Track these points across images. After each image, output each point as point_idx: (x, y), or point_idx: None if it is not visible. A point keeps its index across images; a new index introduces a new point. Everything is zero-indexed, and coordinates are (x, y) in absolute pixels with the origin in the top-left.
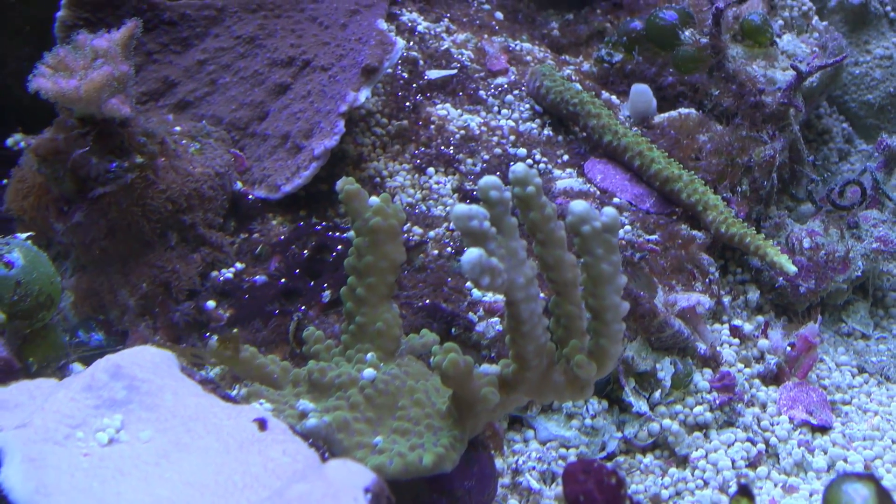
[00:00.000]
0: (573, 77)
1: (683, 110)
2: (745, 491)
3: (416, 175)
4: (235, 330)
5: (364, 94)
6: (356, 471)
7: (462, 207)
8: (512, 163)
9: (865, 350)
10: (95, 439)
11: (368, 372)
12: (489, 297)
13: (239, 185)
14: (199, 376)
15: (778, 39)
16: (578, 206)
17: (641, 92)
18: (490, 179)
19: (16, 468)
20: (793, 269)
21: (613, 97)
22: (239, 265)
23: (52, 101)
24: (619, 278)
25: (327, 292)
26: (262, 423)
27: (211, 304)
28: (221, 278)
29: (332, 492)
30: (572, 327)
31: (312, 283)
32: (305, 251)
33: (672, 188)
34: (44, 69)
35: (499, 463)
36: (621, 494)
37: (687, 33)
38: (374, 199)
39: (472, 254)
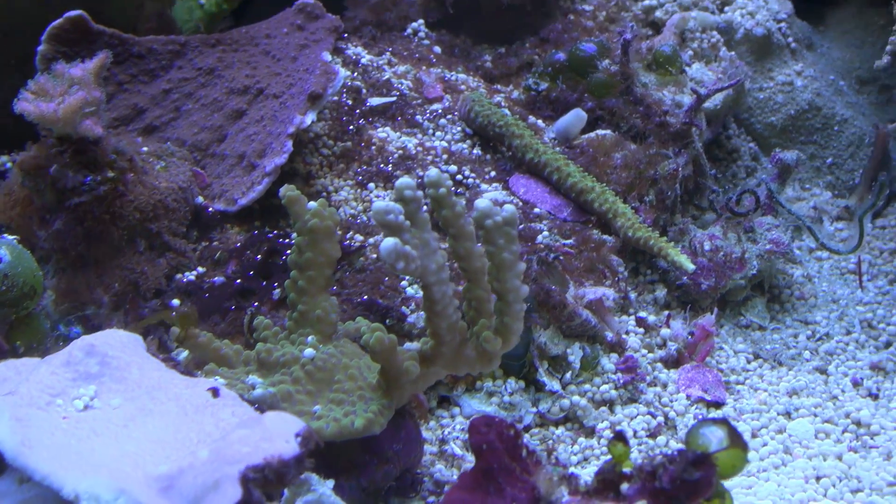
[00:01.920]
0: (503, 104)
1: (601, 131)
2: (619, 436)
3: (359, 190)
4: (192, 308)
5: (310, 118)
6: (289, 420)
7: (380, 203)
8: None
9: (761, 339)
10: (73, 405)
11: (308, 352)
12: (421, 293)
13: (200, 199)
14: (162, 356)
15: (688, 68)
16: (482, 203)
17: (581, 117)
18: (405, 180)
19: (4, 425)
20: (691, 267)
21: (539, 121)
22: (200, 269)
23: (34, 122)
24: (519, 265)
25: (277, 291)
26: (215, 392)
27: (175, 302)
28: (185, 280)
29: (268, 435)
30: (481, 309)
31: (264, 283)
32: (259, 255)
33: (586, 199)
34: (27, 94)
35: (428, 435)
36: (519, 444)
37: (605, 63)
38: (312, 204)
39: (388, 242)
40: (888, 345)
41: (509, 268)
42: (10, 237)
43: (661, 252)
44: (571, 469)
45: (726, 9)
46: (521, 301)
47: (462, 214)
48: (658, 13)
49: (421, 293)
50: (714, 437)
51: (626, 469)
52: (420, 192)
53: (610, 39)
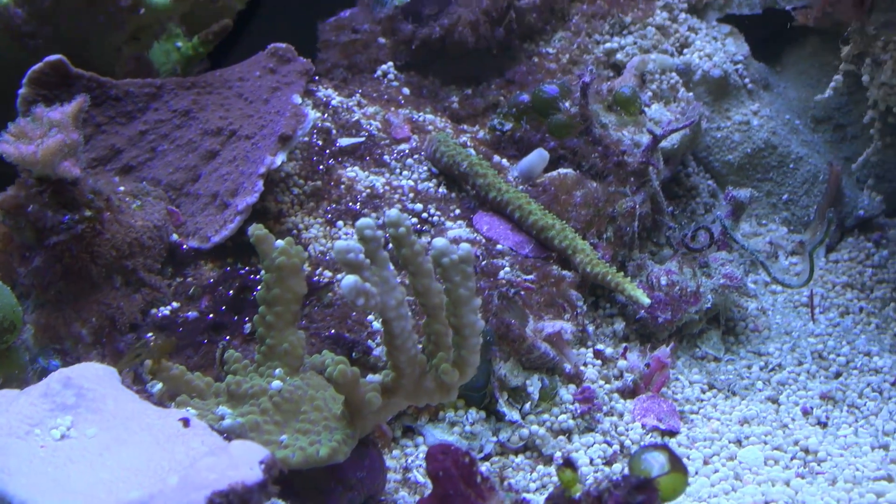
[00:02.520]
0: (469, 144)
1: (563, 170)
2: (568, 462)
3: (328, 228)
4: (172, 339)
5: (280, 158)
6: (254, 448)
7: (342, 243)
8: (410, 216)
9: (716, 370)
10: (50, 435)
11: (276, 384)
12: None
13: (175, 236)
14: (136, 388)
15: (647, 108)
16: (439, 242)
17: (544, 158)
18: (365, 221)
19: None
20: (647, 300)
21: (504, 160)
22: (175, 304)
23: (14, 163)
24: (474, 301)
25: (248, 325)
26: (186, 422)
27: (150, 336)
28: (159, 314)
29: (233, 463)
30: (439, 342)
31: (236, 317)
32: (230, 291)
33: (547, 235)
34: (7, 137)
35: (392, 463)
36: (474, 471)
37: (566, 104)
38: (279, 242)
39: (348, 280)
40: (838, 375)
41: (465, 303)
42: None
43: (618, 287)
44: (530, 495)
45: (685, 51)
46: (477, 335)
47: (420, 253)
48: (619, 55)
49: None
50: (656, 463)
51: (576, 494)
52: (380, 232)
53: (571, 81)
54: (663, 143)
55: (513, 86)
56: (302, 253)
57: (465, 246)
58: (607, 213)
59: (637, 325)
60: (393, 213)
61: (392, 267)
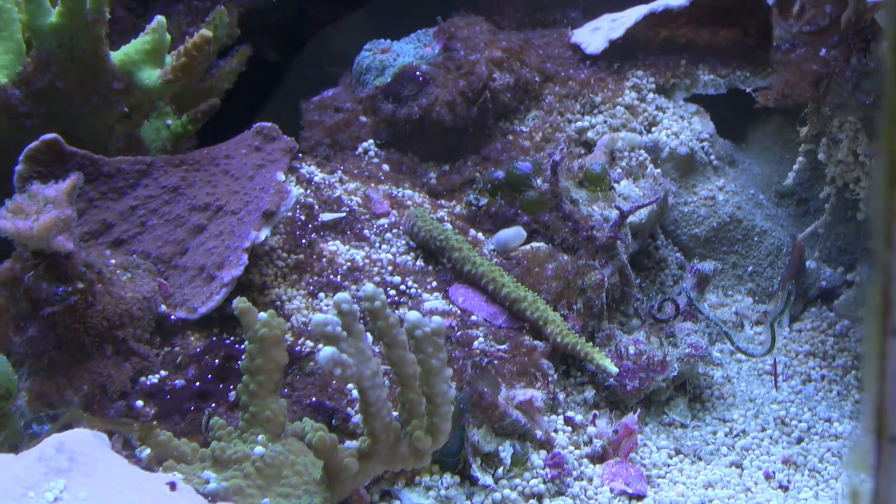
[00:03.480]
0: (446, 218)
1: (535, 244)
2: None
3: (310, 299)
4: (154, 423)
5: (264, 233)
6: None
7: (319, 316)
8: (388, 289)
9: (683, 436)
10: (44, 498)
11: (258, 450)
12: None
13: (163, 307)
14: (126, 453)
15: (616, 185)
16: (412, 315)
17: (521, 236)
18: (342, 295)
19: None
20: (614, 370)
21: (479, 234)
22: (163, 372)
23: (10, 238)
24: (445, 371)
25: (233, 393)
26: (172, 486)
27: (139, 403)
28: (148, 382)
29: None
30: (413, 410)
31: (221, 385)
32: (216, 360)
33: (519, 307)
34: (4, 213)
35: None
36: None
37: (538, 181)
38: (262, 315)
39: (326, 351)
40: (800, 440)
41: (437, 373)
42: None
43: (587, 356)
44: None
45: (653, 129)
46: (449, 403)
47: (395, 325)
48: (590, 133)
49: None
50: None
51: None
52: (356, 306)
53: (542, 160)
54: (631, 218)
55: (488, 162)
56: (283, 325)
57: (436, 319)
58: (577, 286)
59: (606, 392)
60: (369, 287)
61: (369, 338)
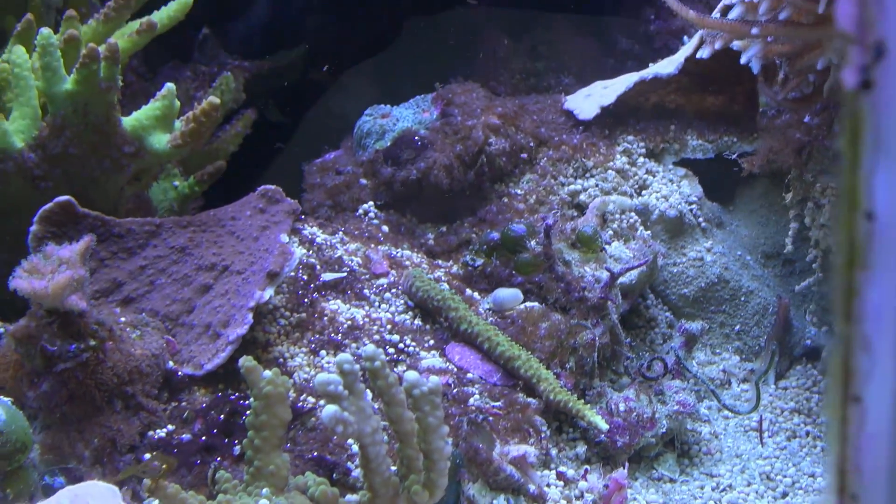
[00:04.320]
0: (443, 278)
1: (529, 304)
2: None
3: (312, 357)
4: (164, 466)
5: (268, 293)
6: None
7: (323, 376)
8: (387, 347)
9: (671, 490)
10: None
11: (263, 502)
12: None
13: (171, 364)
14: None
15: (608, 246)
16: (410, 375)
17: (518, 298)
18: (344, 356)
19: None
20: (605, 426)
21: (475, 294)
22: (170, 426)
23: (26, 297)
24: (442, 428)
25: (238, 447)
26: None
27: (147, 456)
28: (156, 436)
29: None
30: (411, 466)
31: (227, 440)
32: (222, 415)
33: (513, 365)
34: (21, 272)
35: None
36: None
37: (532, 243)
38: (267, 372)
39: (329, 409)
40: (784, 495)
41: (434, 431)
42: (5, 398)
43: (578, 413)
44: None
45: (643, 192)
46: (445, 459)
47: (394, 384)
48: (582, 196)
49: None
50: None
51: None
52: (357, 366)
53: (536, 222)
54: (622, 279)
55: (484, 224)
56: (287, 382)
57: (434, 379)
58: (569, 345)
59: (598, 448)
60: (370, 348)
61: (369, 396)
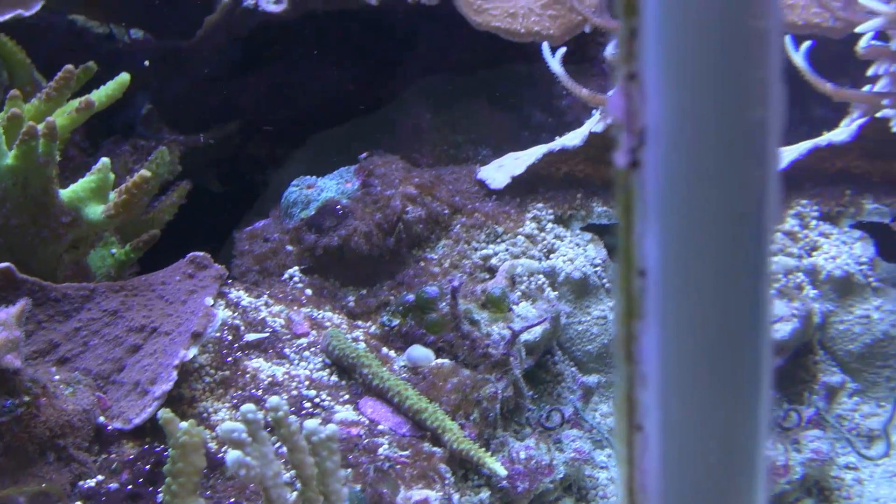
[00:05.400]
0: (361, 338)
1: (440, 361)
2: None
3: (234, 412)
4: None
5: (192, 352)
6: None
7: (227, 424)
8: (304, 402)
9: None
10: None
11: None
12: None
13: (101, 418)
14: None
15: (515, 307)
16: (310, 423)
17: (429, 358)
18: (247, 406)
19: None
20: (503, 472)
21: (391, 352)
22: (100, 477)
23: None
24: (339, 472)
25: (160, 495)
26: None
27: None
28: (86, 486)
29: None
30: None
31: (151, 488)
32: (147, 466)
33: (421, 417)
34: None
35: None
36: None
37: (443, 304)
38: (183, 424)
39: (232, 454)
40: None
41: (331, 474)
42: None
43: (479, 461)
44: None
45: (551, 256)
46: (342, 501)
47: (295, 432)
48: (493, 260)
49: None
50: None
51: None
52: (260, 415)
53: (445, 285)
54: (527, 337)
55: (402, 287)
56: (203, 433)
57: (331, 427)
58: (474, 398)
59: (500, 493)
60: (273, 400)
61: (273, 444)
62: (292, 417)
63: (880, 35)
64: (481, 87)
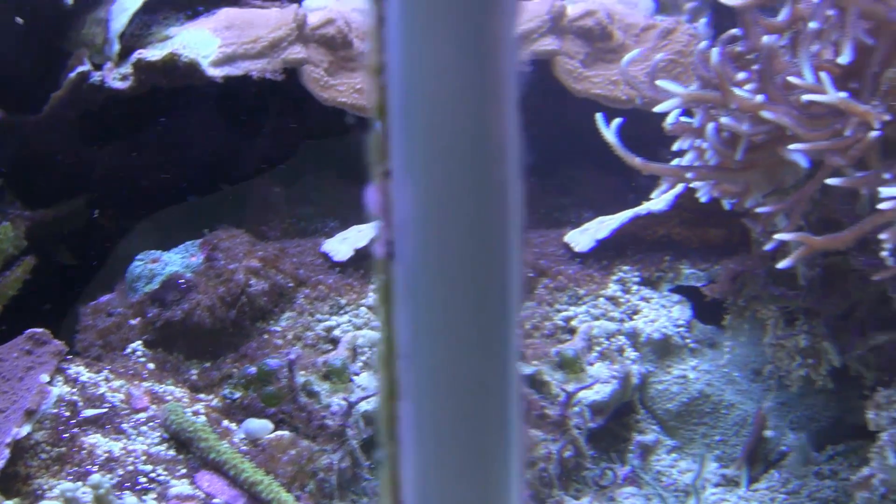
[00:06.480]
0: (202, 411)
1: (280, 432)
2: None
3: None
4: None
5: (26, 430)
6: None
7: (66, 484)
8: (139, 477)
9: None
10: None
11: None
12: None
13: None
14: None
15: (356, 377)
16: (130, 500)
17: (266, 428)
18: (65, 485)
19: None
20: None
21: (232, 425)
22: None
23: None
24: None
25: None
26: None
27: None
28: None
29: None
30: None
31: None
32: None
33: (256, 489)
34: None
35: None
36: None
37: (282, 376)
38: (8, 502)
39: None
40: None
41: None
42: None
43: None
44: None
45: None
46: None
47: (111, 502)
48: (336, 332)
49: None
50: None
51: None
52: (79, 492)
53: (282, 358)
54: (595, 397)
55: (245, 359)
56: None
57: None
58: (310, 469)
59: None
60: (95, 477)
61: None
62: (116, 494)
63: (687, 111)
64: (332, 158)
